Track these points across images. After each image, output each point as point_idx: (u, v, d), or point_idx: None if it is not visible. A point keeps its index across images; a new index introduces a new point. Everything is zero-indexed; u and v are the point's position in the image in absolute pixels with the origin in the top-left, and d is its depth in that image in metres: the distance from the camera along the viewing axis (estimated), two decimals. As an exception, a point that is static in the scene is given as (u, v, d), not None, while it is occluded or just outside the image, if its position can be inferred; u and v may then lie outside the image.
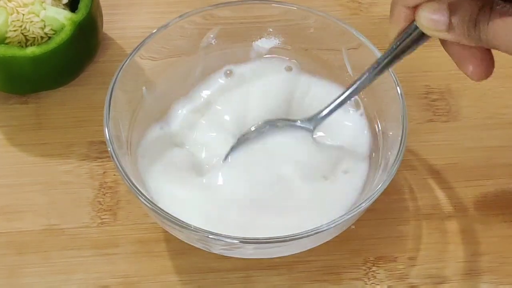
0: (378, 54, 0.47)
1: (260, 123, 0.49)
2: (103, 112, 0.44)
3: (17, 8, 0.50)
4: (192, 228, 0.41)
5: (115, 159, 0.43)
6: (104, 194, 0.50)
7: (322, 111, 0.47)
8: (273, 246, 0.42)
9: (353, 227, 0.48)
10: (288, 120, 0.48)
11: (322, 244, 0.44)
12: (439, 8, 0.36)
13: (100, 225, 0.49)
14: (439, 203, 0.50)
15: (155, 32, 0.49)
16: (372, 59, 0.47)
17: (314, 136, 0.48)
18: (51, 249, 0.48)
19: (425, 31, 0.38)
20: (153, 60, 0.50)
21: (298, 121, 0.48)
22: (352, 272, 0.47)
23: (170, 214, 0.41)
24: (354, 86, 0.45)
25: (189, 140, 0.49)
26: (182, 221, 0.41)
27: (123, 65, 0.47)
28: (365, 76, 0.44)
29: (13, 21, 0.50)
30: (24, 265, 0.47)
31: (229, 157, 0.47)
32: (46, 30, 0.51)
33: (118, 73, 0.46)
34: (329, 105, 0.47)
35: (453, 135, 0.54)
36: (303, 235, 0.41)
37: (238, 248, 0.43)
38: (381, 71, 0.43)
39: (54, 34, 0.51)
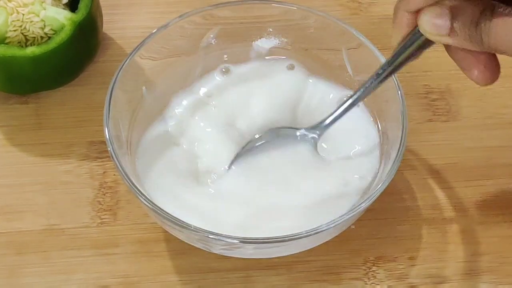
0: (378, 54, 0.47)
1: (265, 132, 0.48)
2: (103, 112, 0.44)
3: (17, 8, 0.50)
4: (192, 228, 0.41)
5: (115, 159, 0.43)
6: (104, 194, 0.50)
7: (326, 119, 0.47)
8: (273, 246, 0.42)
9: (353, 227, 0.48)
10: (293, 128, 0.48)
11: (322, 244, 0.44)
12: (441, 13, 0.36)
13: (100, 225, 0.49)
14: (439, 203, 0.50)
15: (155, 32, 0.49)
16: (372, 59, 0.48)
17: (321, 145, 0.48)
18: (51, 249, 0.48)
19: (427, 36, 0.38)
20: (153, 60, 0.50)
21: (303, 129, 0.48)
22: (352, 272, 0.47)
23: (170, 214, 0.41)
24: (358, 93, 0.45)
25: (189, 141, 0.49)
26: (182, 221, 0.41)
27: (123, 65, 0.47)
28: (369, 83, 0.44)
29: (13, 21, 0.50)
30: (24, 265, 0.47)
31: (233, 165, 0.47)
32: (46, 30, 0.51)
33: (118, 73, 0.46)
34: (333, 112, 0.46)
35: (453, 135, 0.54)
36: (303, 235, 0.41)
37: (238, 248, 0.43)
38: (385, 77, 0.43)
39: (54, 34, 0.51)
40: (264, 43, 0.52)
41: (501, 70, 0.58)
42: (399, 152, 0.43)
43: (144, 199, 0.42)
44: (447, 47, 0.39)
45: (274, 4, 0.51)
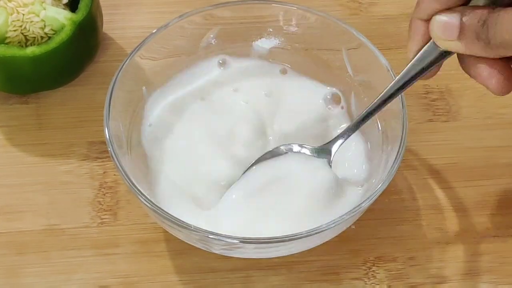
0: (378, 54, 0.47)
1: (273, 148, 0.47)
2: (103, 112, 0.44)
3: (17, 8, 0.50)
4: (192, 228, 0.41)
5: (115, 159, 0.43)
6: (104, 194, 0.50)
7: (337, 139, 0.46)
8: (273, 246, 0.42)
9: (353, 227, 0.48)
10: (305, 147, 0.47)
11: (322, 244, 0.44)
12: (451, 13, 0.38)
13: (100, 225, 0.49)
14: (439, 203, 0.50)
15: (155, 32, 0.49)
16: (372, 59, 0.48)
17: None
18: (51, 249, 0.48)
19: (437, 41, 0.39)
20: (153, 60, 0.50)
21: (314, 150, 0.47)
22: (352, 272, 0.47)
23: (170, 214, 0.41)
24: (367, 111, 0.44)
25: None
26: (182, 221, 0.41)
27: (123, 65, 0.47)
28: (378, 102, 0.43)
29: (13, 21, 0.50)
30: (24, 265, 0.47)
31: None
32: (46, 30, 0.51)
33: (118, 73, 0.46)
34: (345, 132, 0.46)
35: (453, 135, 0.54)
36: (303, 235, 0.41)
37: (238, 248, 0.43)
38: (399, 92, 0.43)
39: (54, 34, 0.51)
40: (264, 43, 0.52)
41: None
42: (399, 152, 0.43)
43: (144, 199, 0.42)
44: (463, 63, 0.40)
45: (274, 4, 0.51)
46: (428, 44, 0.40)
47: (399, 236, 0.49)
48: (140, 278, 0.47)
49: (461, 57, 0.40)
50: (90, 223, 0.49)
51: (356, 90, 0.50)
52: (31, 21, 0.51)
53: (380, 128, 0.48)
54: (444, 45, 0.39)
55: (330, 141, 0.46)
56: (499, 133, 0.54)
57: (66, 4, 0.53)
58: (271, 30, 0.52)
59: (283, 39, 0.52)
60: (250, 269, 0.47)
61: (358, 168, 0.48)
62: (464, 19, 0.37)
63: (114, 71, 0.46)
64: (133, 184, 0.42)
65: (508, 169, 0.52)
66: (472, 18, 0.37)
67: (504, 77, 0.39)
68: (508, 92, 0.39)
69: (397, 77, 0.42)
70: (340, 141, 0.46)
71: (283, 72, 0.52)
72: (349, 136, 0.46)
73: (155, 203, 0.42)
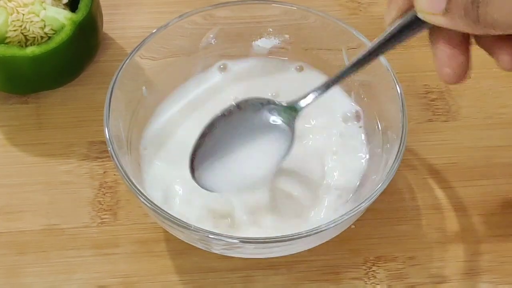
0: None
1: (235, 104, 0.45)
2: (103, 112, 0.44)
3: (17, 8, 0.50)
4: (192, 228, 0.41)
5: (115, 159, 0.43)
6: (104, 194, 0.50)
7: (306, 95, 0.44)
8: (273, 246, 0.42)
9: (353, 226, 0.48)
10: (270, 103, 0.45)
11: (322, 244, 0.44)
12: None
13: (100, 225, 0.49)
14: (439, 203, 0.50)
15: (155, 32, 0.49)
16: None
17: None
18: (51, 249, 0.48)
19: (421, 15, 0.37)
20: (153, 60, 0.50)
21: (283, 104, 0.45)
22: (352, 272, 0.47)
23: (170, 214, 0.41)
24: (344, 70, 0.42)
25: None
26: (182, 221, 0.41)
27: (123, 65, 0.47)
28: (356, 62, 0.42)
29: (13, 21, 0.50)
30: (24, 265, 0.47)
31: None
32: (46, 30, 0.51)
33: (118, 73, 0.46)
34: (318, 87, 0.44)
35: (453, 134, 0.54)
36: (303, 235, 0.41)
37: (238, 248, 0.43)
38: (373, 58, 0.41)
39: (54, 34, 0.51)
40: (264, 43, 0.52)
41: (500, 70, 0.58)
42: (399, 152, 0.43)
43: (144, 199, 0.42)
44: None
45: (274, 4, 0.51)
46: (408, 13, 0.38)
47: (399, 236, 0.49)
48: (140, 278, 0.47)
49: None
50: (90, 223, 0.49)
51: (356, 90, 0.50)
52: (31, 21, 0.51)
53: (380, 128, 0.48)
54: (426, 18, 0.37)
55: (301, 98, 0.44)
56: (499, 133, 0.54)
57: (66, 4, 0.53)
58: (271, 30, 0.52)
59: (283, 39, 0.52)
60: (250, 269, 0.47)
61: (358, 168, 0.48)
62: None
63: (114, 71, 0.46)
64: (133, 184, 0.42)
65: (508, 168, 0.52)
66: None
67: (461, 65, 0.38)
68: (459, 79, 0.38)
69: (371, 44, 0.41)
70: (310, 97, 0.44)
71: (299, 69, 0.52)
72: (319, 94, 0.44)
73: (155, 203, 0.42)
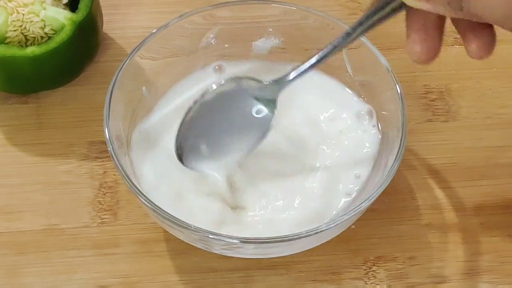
0: (378, 54, 0.47)
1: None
2: (103, 112, 0.44)
3: (17, 8, 0.50)
4: (192, 228, 0.41)
5: (115, 159, 0.43)
6: (104, 194, 0.50)
7: (290, 73, 0.45)
8: (273, 246, 0.42)
9: (353, 227, 0.48)
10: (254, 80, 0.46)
11: (322, 244, 0.44)
12: None
13: (100, 225, 0.49)
14: (439, 203, 0.50)
15: (155, 32, 0.49)
16: (372, 59, 0.48)
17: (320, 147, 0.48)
18: (51, 249, 0.48)
19: None
20: (153, 60, 0.50)
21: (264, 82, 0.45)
22: (352, 272, 0.47)
23: (170, 214, 0.41)
24: (326, 51, 0.43)
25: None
26: (182, 221, 0.41)
27: (123, 65, 0.47)
28: (338, 42, 0.42)
29: (13, 21, 0.50)
30: (24, 265, 0.47)
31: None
32: (46, 30, 0.51)
33: (118, 73, 0.46)
34: (298, 67, 0.44)
35: (452, 135, 0.54)
36: (303, 235, 0.41)
37: (238, 248, 0.43)
38: (354, 38, 0.42)
39: (54, 34, 0.51)
40: (264, 43, 0.52)
41: (500, 70, 0.58)
42: (399, 152, 0.43)
43: (144, 199, 0.42)
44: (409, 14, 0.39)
45: (274, 4, 0.51)
46: None
47: (399, 236, 0.49)
48: (140, 278, 0.47)
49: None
50: (90, 223, 0.49)
51: (356, 90, 0.50)
52: (31, 21, 0.51)
53: (380, 128, 0.48)
54: (409, 3, 0.37)
55: (282, 77, 0.45)
56: (499, 133, 0.54)
57: (66, 4, 0.53)
58: (271, 30, 0.52)
59: (283, 39, 0.52)
60: (250, 269, 0.47)
61: (358, 168, 0.48)
62: None
63: (114, 71, 0.46)
64: (133, 184, 0.42)
65: (507, 169, 0.52)
66: None
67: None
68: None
69: (353, 24, 0.41)
70: (292, 75, 0.45)
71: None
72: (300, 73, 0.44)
73: (155, 203, 0.42)
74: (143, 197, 0.42)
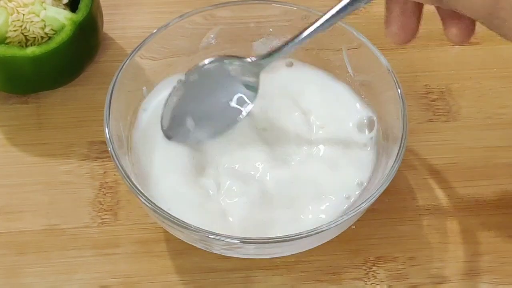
0: (378, 54, 0.47)
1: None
2: (103, 112, 0.44)
3: (17, 8, 0.50)
4: (193, 228, 0.41)
5: (115, 159, 0.43)
6: (105, 194, 0.50)
7: (274, 51, 0.46)
8: (273, 246, 0.43)
9: (353, 227, 0.48)
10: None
11: (322, 244, 0.44)
12: None
13: (100, 225, 0.49)
14: (439, 203, 0.50)
15: (155, 32, 0.49)
16: (372, 59, 0.48)
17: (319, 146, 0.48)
18: (51, 249, 0.48)
19: None
20: (153, 60, 0.50)
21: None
22: (352, 272, 0.47)
23: (170, 214, 0.41)
24: (307, 32, 0.44)
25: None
26: (183, 221, 0.41)
27: (123, 65, 0.47)
28: (320, 22, 0.43)
29: (13, 21, 0.50)
30: (24, 265, 0.47)
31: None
32: (46, 30, 0.51)
33: (118, 73, 0.46)
34: (285, 43, 0.45)
35: (453, 135, 0.54)
36: (303, 235, 0.41)
37: (239, 248, 0.43)
38: (330, 24, 0.43)
39: (54, 34, 0.51)
40: (264, 43, 0.52)
41: (500, 70, 0.58)
42: (400, 152, 0.43)
43: (144, 199, 0.42)
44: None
45: (274, 4, 0.51)
46: None
47: (399, 236, 0.49)
48: (140, 278, 0.47)
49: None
50: (90, 223, 0.49)
51: (357, 90, 0.50)
52: (31, 21, 0.51)
53: (380, 128, 0.48)
54: None
55: (265, 55, 0.46)
56: (499, 133, 0.54)
57: (66, 4, 0.53)
58: (271, 30, 0.52)
59: (283, 39, 0.52)
60: (250, 269, 0.47)
61: (358, 168, 0.48)
62: None
63: (114, 71, 0.46)
64: (133, 184, 0.42)
65: (508, 169, 0.52)
66: None
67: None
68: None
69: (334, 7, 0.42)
70: (275, 56, 0.46)
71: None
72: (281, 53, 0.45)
73: (155, 203, 0.42)
74: (143, 197, 0.42)
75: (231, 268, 0.47)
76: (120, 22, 0.60)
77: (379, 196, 0.42)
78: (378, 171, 0.46)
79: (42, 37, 0.51)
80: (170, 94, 0.47)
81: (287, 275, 0.47)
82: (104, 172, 0.51)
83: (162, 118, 0.47)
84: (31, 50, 0.50)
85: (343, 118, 0.49)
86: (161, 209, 0.41)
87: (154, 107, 0.49)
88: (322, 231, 0.41)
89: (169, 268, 0.47)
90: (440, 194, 0.51)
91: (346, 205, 0.45)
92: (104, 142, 0.45)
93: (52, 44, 0.50)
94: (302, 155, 0.48)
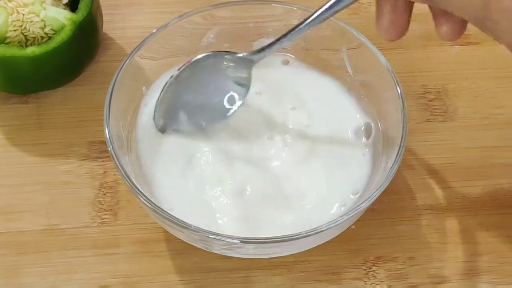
0: (378, 54, 0.47)
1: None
2: (103, 112, 0.44)
3: (17, 8, 0.50)
4: (193, 228, 0.41)
5: (115, 159, 0.43)
6: (105, 194, 0.50)
7: (266, 46, 0.46)
8: (273, 246, 0.43)
9: (353, 227, 0.48)
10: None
11: (322, 244, 0.45)
12: None
13: (100, 225, 0.49)
14: (438, 203, 0.50)
15: (155, 32, 0.49)
16: (372, 59, 0.48)
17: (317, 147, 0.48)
18: (51, 249, 0.48)
19: None
20: (153, 60, 0.50)
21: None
22: (352, 272, 0.47)
23: (170, 214, 0.41)
24: (298, 28, 0.44)
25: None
26: (182, 221, 0.41)
27: (123, 65, 0.47)
28: (312, 18, 0.44)
29: (13, 21, 0.50)
30: (24, 265, 0.47)
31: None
32: (46, 30, 0.51)
33: (118, 73, 0.46)
34: (282, 36, 0.45)
35: (450, 135, 0.54)
36: (303, 235, 0.41)
37: (239, 248, 0.43)
38: (325, 17, 0.43)
39: (54, 34, 0.51)
40: (264, 43, 0.52)
41: (497, 70, 0.59)
42: (399, 152, 0.43)
43: (144, 199, 0.42)
44: None
45: (274, 4, 0.51)
46: None
47: (399, 236, 0.49)
48: (140, 278, 0.47)
49: None
50: (90, 223, 0.49)
51: (356, 90, 0.50)
52: (31, 21, 0.51)
53: (380, 128, 0.48)
54: None
55: (256, 51, 0.47)
56: (496, 133, 0.54)
57: (66, 4, 0.53)
58: (271, 30, 0.52)
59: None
60: (250, 269, 0.47)
61: (358, 168, 0.48)
62: None
63: (114, 71, 0.46)
64: (133, 184, 0.42)
65: (504, 169, 0.52)
66: None
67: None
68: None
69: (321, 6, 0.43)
70: (266, 52, 0.46)
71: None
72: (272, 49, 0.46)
73: (155, 203, 0.42)
74: (144, 197, 0.42)
75: (231, 268, 0.47)
76: (120, 22, 0.60)
77: (379, 196, 0.42)
78: (377, 172, 0.46)
79: (42, 37, 0.51)
80: (162, 89, 0.48)
81: (287, 275, 0.47)
82: (104, 172, 0.51)
83: (155, 112, 0.48)
84: (31, 50, 0.50)
85: (339, 120, 0.49)
86: (161, 209, 0.42)
87: (154, 107, 0.49)
88: (322, 231, 0.41)
89: (169, 268, 0.47)
90: (439, 194, 0.51)
91: (343, 208, 0.45)
92: (104, 142, 0.45)
93: (52, 44, 0.50)
94: (297, 154, 0.48)
